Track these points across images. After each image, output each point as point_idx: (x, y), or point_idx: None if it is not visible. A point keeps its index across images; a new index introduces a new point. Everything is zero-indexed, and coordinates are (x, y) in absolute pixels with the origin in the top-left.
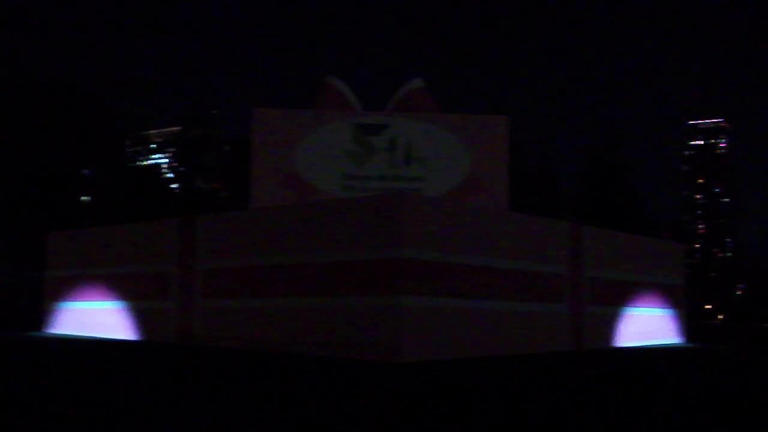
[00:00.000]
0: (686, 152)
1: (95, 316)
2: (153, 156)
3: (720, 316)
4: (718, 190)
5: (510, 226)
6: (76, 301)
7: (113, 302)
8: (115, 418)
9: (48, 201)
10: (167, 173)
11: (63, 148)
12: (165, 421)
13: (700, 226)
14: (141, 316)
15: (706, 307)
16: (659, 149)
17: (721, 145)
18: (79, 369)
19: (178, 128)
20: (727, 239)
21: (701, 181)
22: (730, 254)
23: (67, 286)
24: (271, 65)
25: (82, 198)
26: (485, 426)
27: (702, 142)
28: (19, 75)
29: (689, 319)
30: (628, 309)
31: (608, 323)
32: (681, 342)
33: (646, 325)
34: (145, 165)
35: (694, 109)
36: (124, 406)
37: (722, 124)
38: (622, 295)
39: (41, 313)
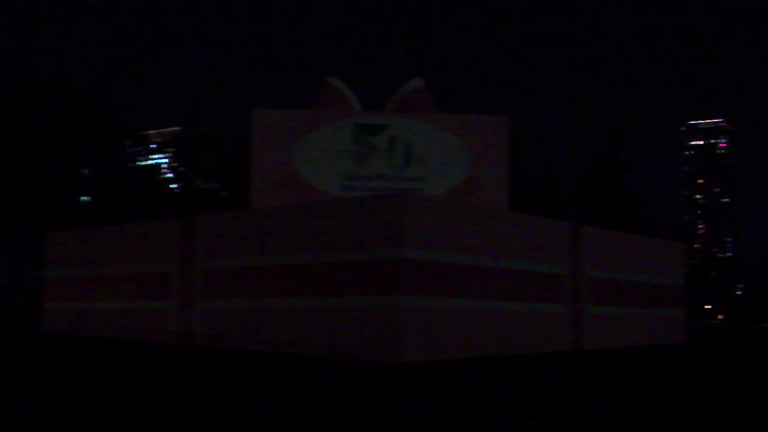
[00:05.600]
0: (686, 152)
1: (95, 316)
2: (153, 156)
3: (720, 316)
4: (718, 190)
5: (510, 226)
6: (75, 301)
7: (113, 302)
8: (114, 420)
9: (48, 201)
10: (167, 173)
11: (63, 148)
12: (165, 422)
13: (700, 226)
14: (141, 316)
15: (706, 307)
16: (659, 149)
17: (721, 145)
18: (80, 371)
19: (178, 128)
20: (727, 239)
21: (701, 181)
22: (730, 254)
23: (67, 286)
24: (271, 65)
25: (82, 198)
26: (485, 427)
27: (702, 142)
28: (19, 75)
29: (689, 320)
30: (628, 309)
31: (608, 323)
32: (681, 342)
33: (646, 326)
34: (145, 165)
35: (694, 109)
36: (123, 408)
37: (722, 124)
38: (622, 295)
39: (41, 313)
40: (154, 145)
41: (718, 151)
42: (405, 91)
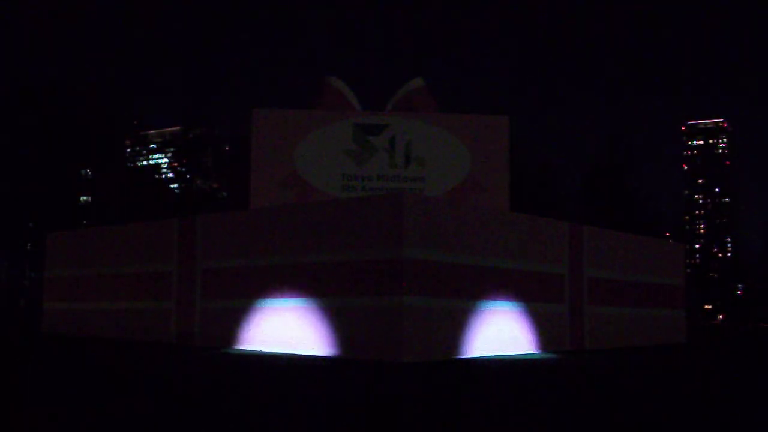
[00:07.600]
0: (686, 152)
1: (95, 317)
2: (153, 156)
3: (720, 316)
4: (718, 190)
5: (510, 226)
6: (75, 301)
7: (113, 302)
8: (116, 422)
9: (48, 201)
10: (167, 173)
11: (63, 149)
12: (166, 422)
13: (700, 226)
14: (141, 316)
15: (706, 307)
16: (659, 149)
17: (721, 145)
18: (78, 371)
19: (178, 128)
20: (727, 239)
21: (701, 181)
22: (730, 254)
23: (67, 286)
24: (271, 65)
25: (82, 198)
26: (485, 427)
27: (702, 142)
28: (18, 75)
29: (689, 320)
30: (628, 309)
31: (608, 323)
32: (682, 342)
33: (646, 326)
34: (145, 165)
35: (694, 109)
36: (126, 410)
37: (722, 124)
38: (622, 295)
39: (40, 313)
40: (154, 145)
41: (718, 151)
42: (405, 91)
